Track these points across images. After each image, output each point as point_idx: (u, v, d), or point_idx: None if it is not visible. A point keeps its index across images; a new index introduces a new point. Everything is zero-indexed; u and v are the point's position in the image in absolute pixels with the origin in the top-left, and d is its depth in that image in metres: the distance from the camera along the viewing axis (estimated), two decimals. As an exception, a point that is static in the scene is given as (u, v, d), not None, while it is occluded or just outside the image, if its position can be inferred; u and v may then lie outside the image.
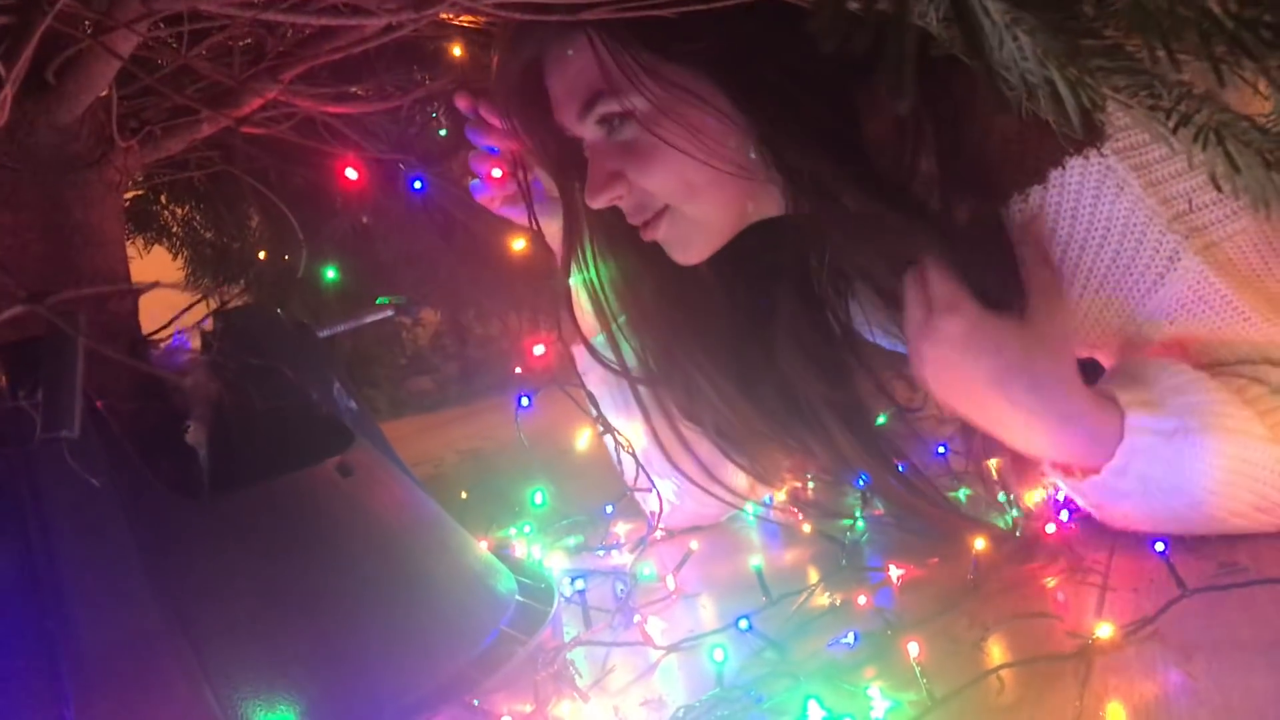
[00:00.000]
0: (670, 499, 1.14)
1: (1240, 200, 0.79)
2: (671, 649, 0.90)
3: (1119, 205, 0.86)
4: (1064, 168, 0.87)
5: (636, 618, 0.96)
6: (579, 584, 1.00)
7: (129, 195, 1.55)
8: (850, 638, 0.83)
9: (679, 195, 0.95)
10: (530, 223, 1.10)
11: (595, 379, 1.14)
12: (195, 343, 0.95)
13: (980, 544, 0.93)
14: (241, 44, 1.04)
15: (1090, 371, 0.89)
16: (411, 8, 0.80)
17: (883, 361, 1.07)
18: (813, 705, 0.72)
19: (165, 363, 0.92)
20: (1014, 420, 0.85)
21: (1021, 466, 0.98)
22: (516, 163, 1.10)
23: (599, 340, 1.11)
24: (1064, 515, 0.97)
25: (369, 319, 1.11)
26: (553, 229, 1.10)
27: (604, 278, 1.09)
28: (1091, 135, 0.85)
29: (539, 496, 1.22)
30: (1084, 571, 0.88)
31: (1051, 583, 0.88)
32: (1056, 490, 0.98)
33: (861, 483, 1.08)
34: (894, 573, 0.96)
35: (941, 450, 1.11)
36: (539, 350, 1.14)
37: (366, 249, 1.56)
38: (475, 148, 1.11)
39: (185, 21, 0.91)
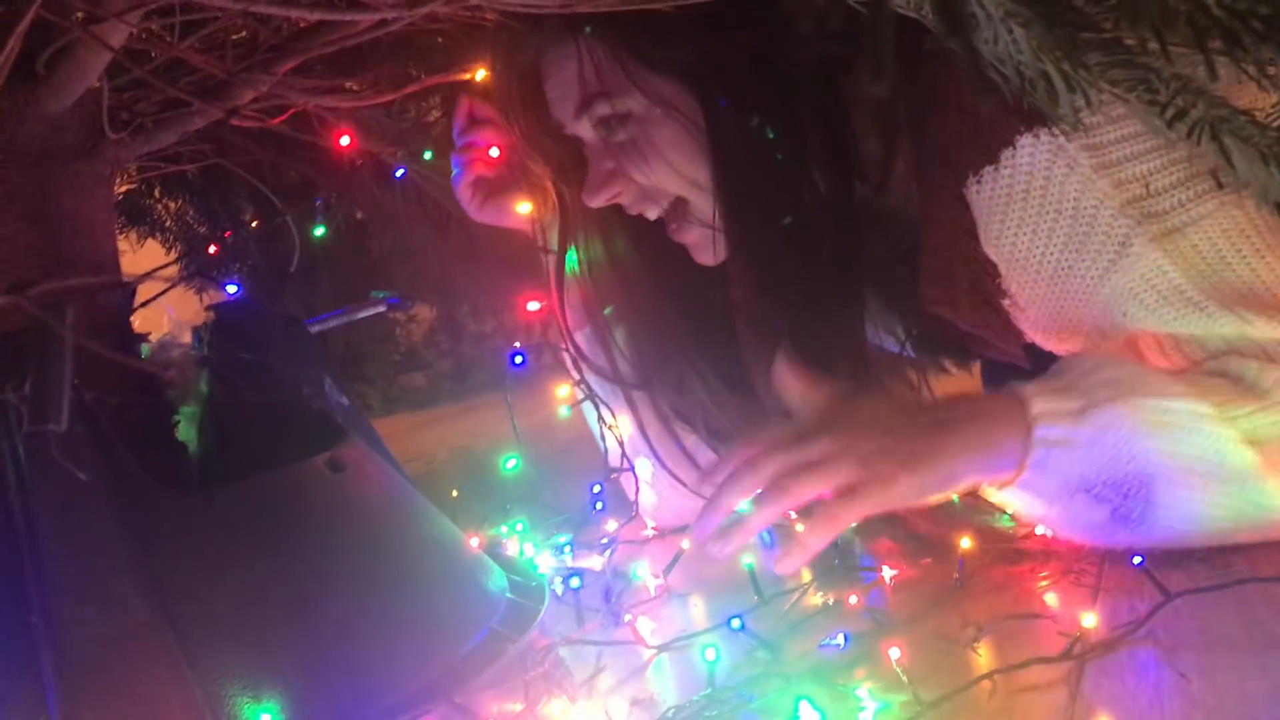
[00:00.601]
0: (647, 478, 1.14)
1: (1208, 181, 0.79)
2: (663, 648, 0.89)
3: (1068, 186, 0.82)
4: (1015, 147, 0.83)
5: (627, 617, 0.96)
6: (574, 581, 0.99)
7: (122, 189, 1.54)
8: (840, 639, 0.83)
9: (688, 190, 0.96)
10: (506, 220, 1.12)
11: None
12: (186, 336, 0.95)
13: (966, 543, 0.92)
14: (234, 37, 1.03)
15: None
16: (405, 4, 0.80)
17: (883, 361, 1.07)
18: (804, 706, 0.71)
19: (155, 356, 0.92)
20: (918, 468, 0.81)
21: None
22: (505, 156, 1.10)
23: (586, 334, 1.11)
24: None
25: (363, 313, 1.11)
26: (529, 218, 1.12)
27: (598, 277, 1.09)
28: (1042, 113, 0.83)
29: (511, 463, 1.20)
30: (1076, 573, 0.87)
31: (1044, 584, 0.87)
32: None
33: None
34: (887, 573, 0.95)
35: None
36: (533, 306, 1.14)
37: (359, 244, 1.55)
38: (461, 144, 1.11)
39: (177, 13, 0.90)
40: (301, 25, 1.04)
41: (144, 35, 0.93)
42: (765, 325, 0.98)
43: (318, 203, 1.43)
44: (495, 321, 2.42)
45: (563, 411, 1.21)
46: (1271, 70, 0.45)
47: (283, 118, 1.09)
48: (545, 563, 1.11)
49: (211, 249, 1.33)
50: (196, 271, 1.38)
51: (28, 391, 0.69)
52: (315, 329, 1.02)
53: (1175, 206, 0.81)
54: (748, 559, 1.02)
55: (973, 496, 1.00)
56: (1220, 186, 0.76)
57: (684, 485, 1.11)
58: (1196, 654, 0.70)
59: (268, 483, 0.80)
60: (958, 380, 1.15)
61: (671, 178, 0.95)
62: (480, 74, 1.11)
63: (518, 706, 0.80)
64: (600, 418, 1.14)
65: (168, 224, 1.62)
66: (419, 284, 1.66)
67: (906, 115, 0.90)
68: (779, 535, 1.13)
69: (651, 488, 1.15)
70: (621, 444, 1.13)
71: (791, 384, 0.87)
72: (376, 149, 1.35)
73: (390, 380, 2.42)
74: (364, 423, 0.99)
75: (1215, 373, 0.81)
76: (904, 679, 0.72)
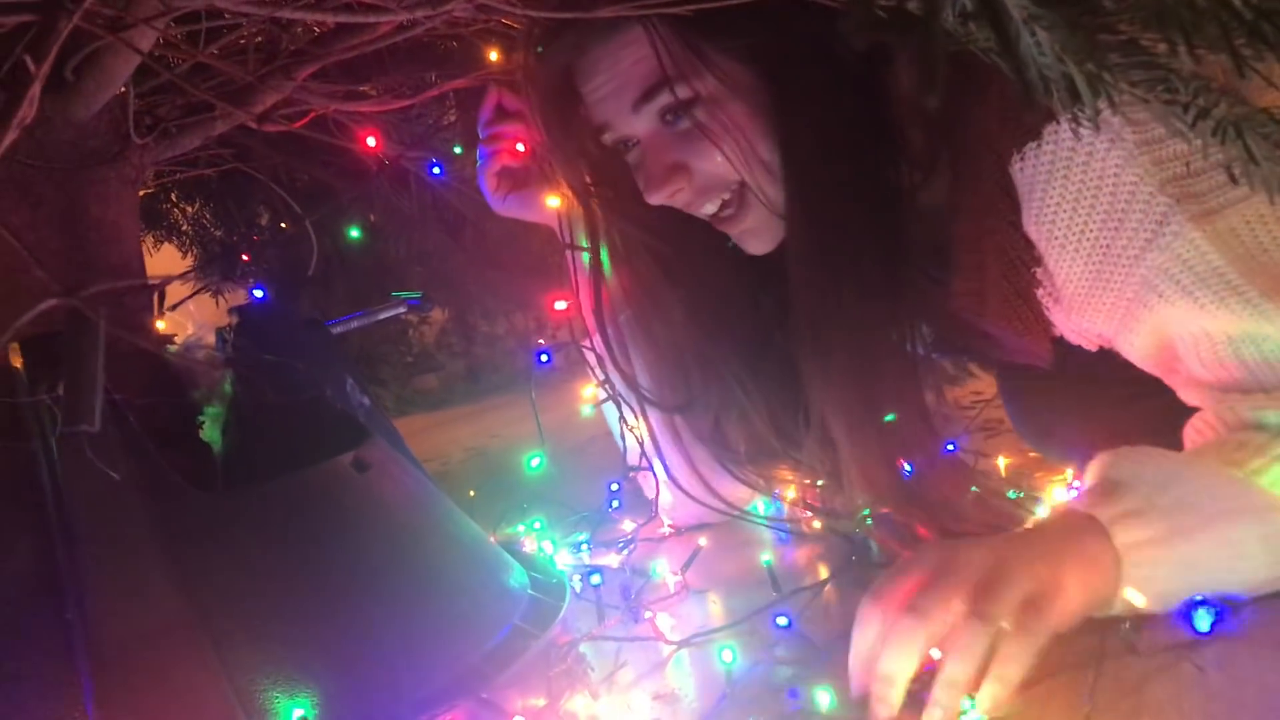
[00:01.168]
0: (664, 478, 1.15)
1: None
2: (683, 644, 0.90)
3: (1110, 160, 0.81)
4: (1059, 121, 0.83)
5: (647, 614, 0.97)
6: (594, 579, 1.00)
7: (140, 194, 1.55)
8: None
9: (757, 172, 0.94)
10: (534, 215, 1.11)
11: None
12: (209, 339, 0.96)
13: None
14: (255, 42, 1.04)
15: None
16: (428, 4, 0.81)
17: (926, 365, 1.06)
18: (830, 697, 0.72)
19: (181, 358, 0.93)
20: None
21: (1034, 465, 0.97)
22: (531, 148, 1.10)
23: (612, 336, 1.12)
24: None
25: (384, 314, 1.12)
26: (547, 210, 1.12)
27: (633, 291, 1.09)
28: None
29: (535, 461, 1.21)
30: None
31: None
32: (1070, 486, 0.98)
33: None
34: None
35: (950, 448, 1.11)
36: (560, 305, 1.13)
37: (376, 247, 1.57)
38: (486, 135, 1.11)
39: (203, 19, 0.91)
40: (321, 31, 1.05)
41: (168, 41, 0.95)
42: (825, 307, 0.94)
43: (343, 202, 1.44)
44: (507, 324, 2.43)
45: (586, 410, 1.21)
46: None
47: (303, 122, 1.10)
48: (564, 560, 1.12)
49: (244, 257, 1.34)
50: (221, 275, 1.39)
51: (61, 393, 0.70)
52: (336, 330, 1.03)
53: (1214, 188, 0.80)
54: (766, 556, 1.03)
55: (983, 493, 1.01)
56: (1234, 182, 0.75)
57: (686, 493, 1.12)
58: (1216, 647, 0.71)
59: (294, 482, 0.81)
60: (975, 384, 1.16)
61: (740, 160, 0.93)
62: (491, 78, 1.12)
63: (541, 702, 0.81)
64: (621, 417, 1.14)
65: (184, 228, 1.63)
66: (433, 287, 1.67)
67: (947, 104, 0.90)
68: (792, 529, 1.14)
69: (669, 488, 1.16)
70: (641, 443, 1.14)
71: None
72: (394, 152, 1.36)
73: (404, 382, 2.43)
74: (385, 423, 1.00)
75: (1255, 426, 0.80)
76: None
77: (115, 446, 0.73)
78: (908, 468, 0.98)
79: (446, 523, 0.91)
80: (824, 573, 1.01)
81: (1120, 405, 0.95)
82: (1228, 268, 0.79)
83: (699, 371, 1.10)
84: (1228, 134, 0.48)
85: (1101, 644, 0.74)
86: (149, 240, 1.62)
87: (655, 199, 0.96)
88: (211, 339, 0.97)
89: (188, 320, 0.98)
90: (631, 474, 1.19)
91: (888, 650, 0.71)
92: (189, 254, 1.67)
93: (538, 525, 1.23)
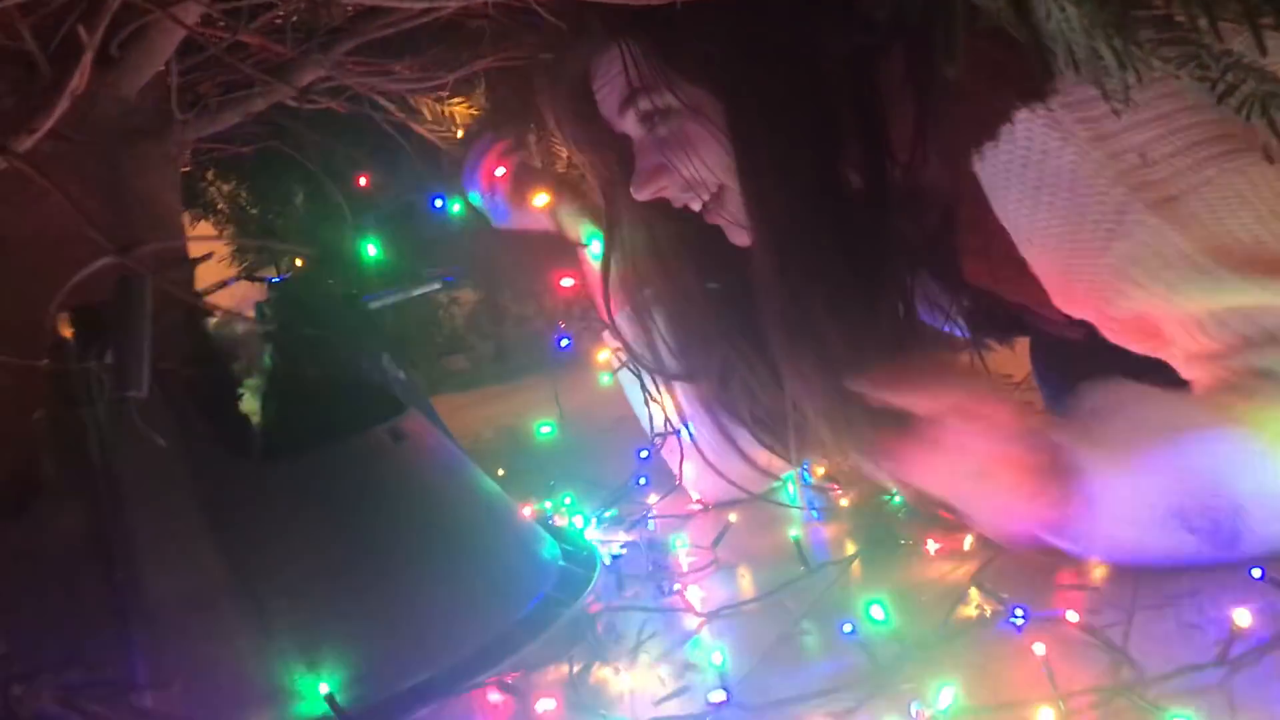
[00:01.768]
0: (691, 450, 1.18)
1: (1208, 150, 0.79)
2: (712, 615, 0.91)
3: (1065, 157, 0.83)
4: (1013, 122, 0.84)
5: (676, 586, 0.98)
6: (621, 550, 1.02)
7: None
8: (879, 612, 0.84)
9: (725, 180, 0.99)
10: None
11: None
12: (248, 313, 0.97)
13: None
14: (293, 20, 1.06)
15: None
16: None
17: (928, 337, 1.08)
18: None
19: (220, 330, 0.95)
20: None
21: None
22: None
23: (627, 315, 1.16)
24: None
25: (417, 291, 1.13)
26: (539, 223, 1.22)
27: (641, 266, 1.14)
28: (1039, 88, 0.82)
29: (545, 429, 1.24)
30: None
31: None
32: None
33: None
34: (931, 546, 0.97)
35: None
36: (567, 283, 1.21)
37: (409, 226, 1.58)
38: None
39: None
40: (355, 10, 1.07)
41: (208, 18, 0.96)
42: (792, 314, 0.99)
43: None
44: (536, 305, 2.43)
45: (604, 379, 1.24)
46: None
47: (340, 100, 1.12)
48: (592, 534, 1.14)
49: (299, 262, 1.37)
50: (259, 250, 1.41)
51: (109, 361, 0.72)
52: (372, 306, 1.04)
53: (1172, 175, 0.81)
54: (794, 532, 1.04)
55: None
56: (1271, 162, 0.76)
57: (713, 467, 1.15)
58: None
59: (333, 452, 0.83)
60: (1001, 357, 1.16)
61: (710, 165, 0.99)
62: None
63: (571, 670, 0.82)
64: (643, 386, 1.17)
65: (220, 206, 1.65)
66: (464, 267, 1.69)
67: (929, 97, 0.92)
68: (824, 508, 1.16)
69: (692, 461, 1.18)
70: (666, 415, 1.16)
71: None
72: (426, 132, 1.38)
73: (433, 363, 2.44)
74: (420, 396, 1.01)
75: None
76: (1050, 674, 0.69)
77: (161, 414, 0.74)
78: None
79: (480, 494, 0.93)
80: (851, 548, 1.02)
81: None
82: (1194, 250, 0.80)
83: (713, 344, 1.13)
84: (1253, 110, 0.49)
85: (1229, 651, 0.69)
86: (186, 217, 1.64)
87: (639, 196, 1.04)
88: (250, 312, 0.98)
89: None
90: (658, 439, 1.22)
91: None
92: (224, 231, 1.70)
93: (568, 501, 1.24)
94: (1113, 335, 0.89)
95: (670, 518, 1.19)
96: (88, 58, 0.62)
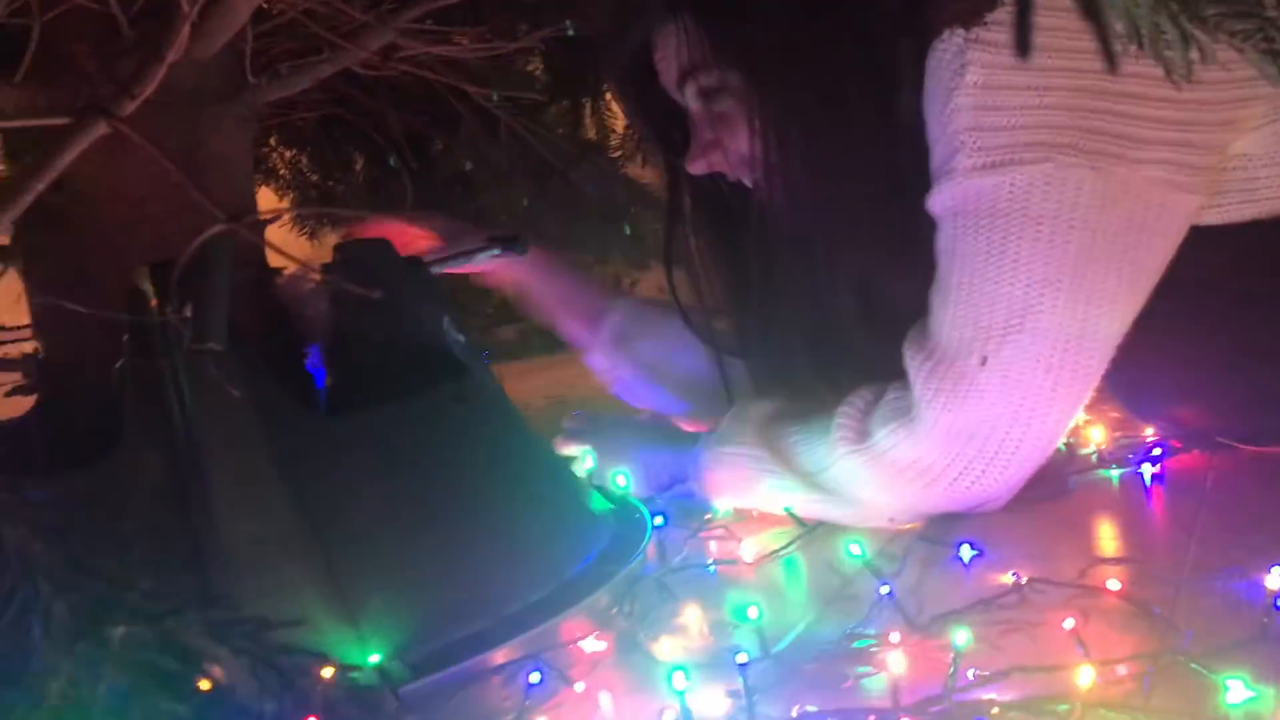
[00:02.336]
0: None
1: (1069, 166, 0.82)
2: (758, 563, 0.93)
3: (949, 84, 0.84)
4: (941, 39, 0.85)
5: (712, 544, 1.00)
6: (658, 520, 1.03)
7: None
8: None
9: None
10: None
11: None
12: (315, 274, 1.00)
13: None
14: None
15: None
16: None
17: None
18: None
19: (288, 291, 0.98)
20: None
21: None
22: None
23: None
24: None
25: (479, 256, 1.15)
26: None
27: (703, 252, 1.17)
28: (972, 12, 0.83)
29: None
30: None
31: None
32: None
33: None
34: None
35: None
36: None
37: (465, 194, 1.60)
38: None
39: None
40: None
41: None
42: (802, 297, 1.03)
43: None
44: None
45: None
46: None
47: (405, 68, 1.14)
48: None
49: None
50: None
51: (189, 313, 0.75)
52: (435, 271, 1.07)
53: (1004, 145, 0.83)
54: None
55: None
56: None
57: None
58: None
59: (398, 410, 0.85)
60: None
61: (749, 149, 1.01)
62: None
63: (621, 624, 0.84)
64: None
65: (281, 172, 1.67)
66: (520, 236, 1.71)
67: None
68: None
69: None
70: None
71: None
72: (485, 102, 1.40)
73: (484, 333, 2.46)
74: (479, 360, 1.03)
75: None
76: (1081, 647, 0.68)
77: (236, 368, 0.77)
78: None
79: (537, 455, 0.96)
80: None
81: (1229, 369, 0.94)
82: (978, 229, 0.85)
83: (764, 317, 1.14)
84: (1320, 83, 0.50)
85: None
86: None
87: (692, 169, 1.07)
88: (316, 274, 1.01)
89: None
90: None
91: None
92: (284, 198, 1.72)
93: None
94: None
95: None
96: (186, 26, 0.65)
